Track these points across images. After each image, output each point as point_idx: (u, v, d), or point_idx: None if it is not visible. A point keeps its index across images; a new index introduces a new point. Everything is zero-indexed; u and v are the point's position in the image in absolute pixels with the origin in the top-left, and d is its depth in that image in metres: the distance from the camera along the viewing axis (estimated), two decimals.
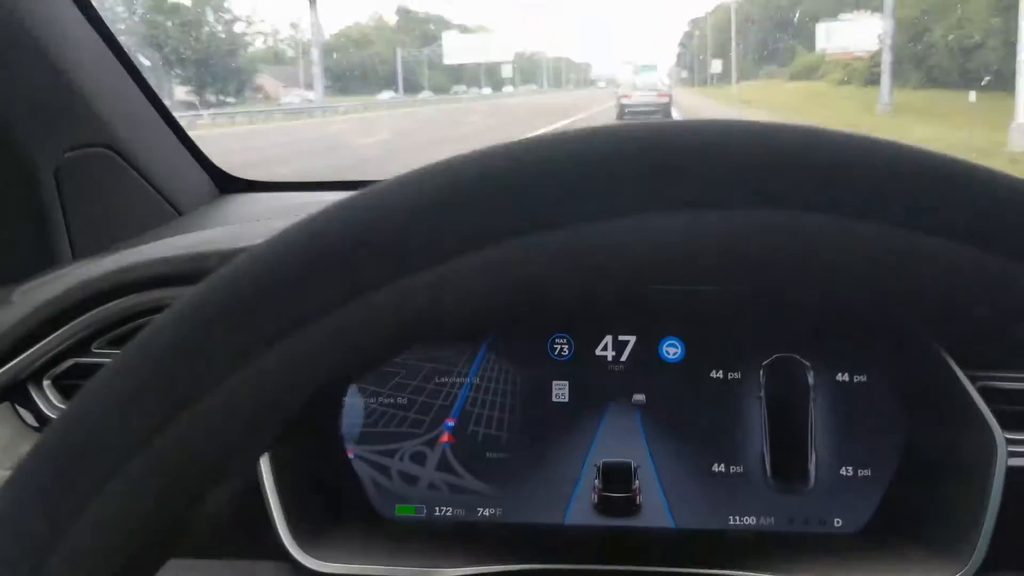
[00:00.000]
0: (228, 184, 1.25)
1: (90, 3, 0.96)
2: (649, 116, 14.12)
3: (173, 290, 0.70)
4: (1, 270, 0.90)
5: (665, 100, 15.44)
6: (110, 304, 0.70)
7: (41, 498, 0.26)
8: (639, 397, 0.75)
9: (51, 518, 0.26)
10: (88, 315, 0.70)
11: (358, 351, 0.28)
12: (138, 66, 1.05)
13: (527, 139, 0.28)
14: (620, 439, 0.75)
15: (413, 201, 0.27)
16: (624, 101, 15.44)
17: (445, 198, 0.27)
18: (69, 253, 0.93)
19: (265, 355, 0.26)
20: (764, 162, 0.27)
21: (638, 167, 0.27)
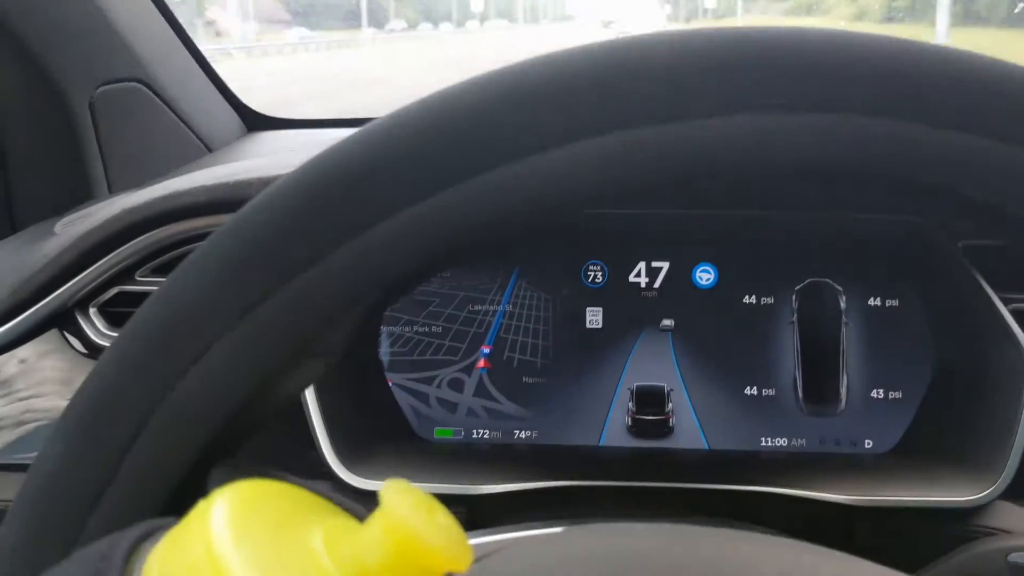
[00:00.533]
0: (256, 122, 1.26)
1: None
2: None
3: (215, 218, 0.71)
4: (42, 203, 0.91)
5: None
6: (153, 232, 0.71)
7: (150, 353, 0.28)
8: (667, 322, 0.76)
9: (171, 359, 0.27)
10: (132, 243, 0.71)
11: (427, 249, 0.28)
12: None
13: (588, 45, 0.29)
14: (653, 363, 0.76)
15: (491, 97, 0.28)
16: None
17: (536, 91, 0.28)
18: (106, 187, 0.95)
19: (361, 236, 0.27)
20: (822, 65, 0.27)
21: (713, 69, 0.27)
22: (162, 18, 1.03)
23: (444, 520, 0.23)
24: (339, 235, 0.27)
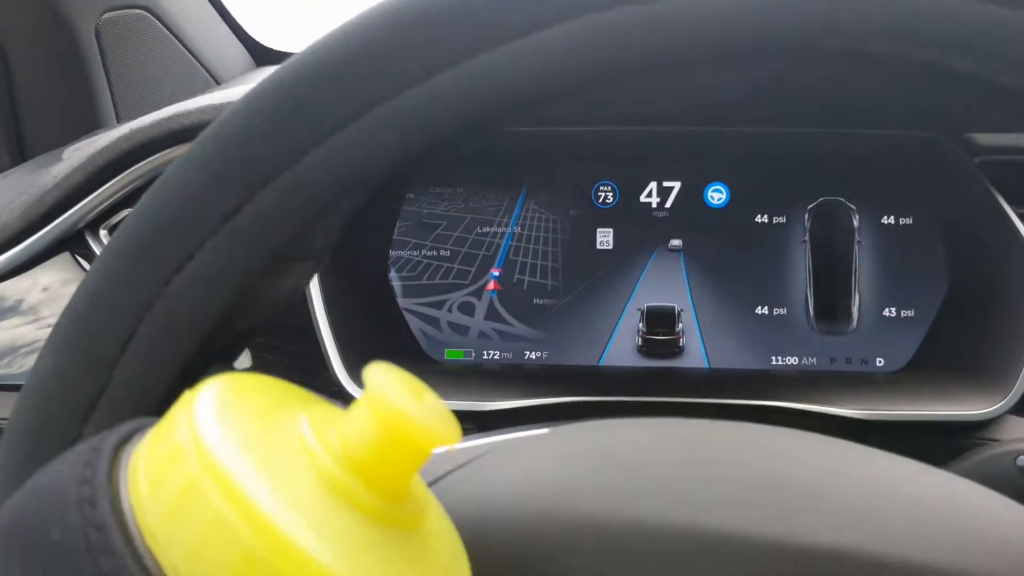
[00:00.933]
0: (265, 55, 1.25)
1: None
2: None
3: None
4: (50, 132, 0.91)
5: None
6: (162, 153, 0.71)
7: (150, 246, 0.27)
8: (675, 242, 0.76)
9: (156, 268, 0.27)
10: (140, 164, 0.71)
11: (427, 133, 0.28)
12: None
13: None
14: (664, 284, 0.76)
15: None
16: None
17: None
18: (114, 116, 0.94)
19: (359, 120, 0.27)
20: None
21: None
22: None
23: (430, 399, 0.23)
24: (313, 135, 0.27)
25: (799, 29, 0.28)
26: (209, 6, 1.14)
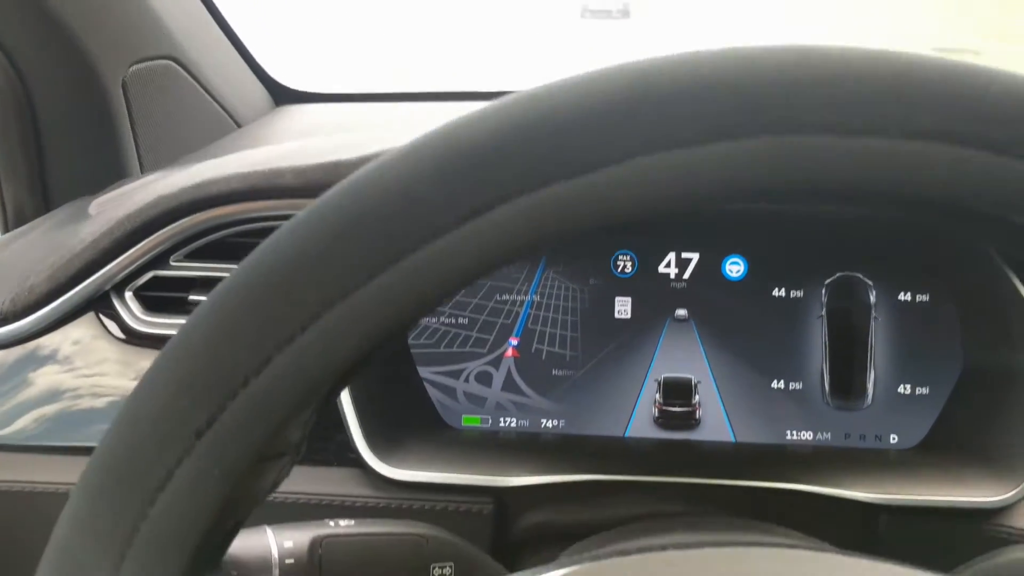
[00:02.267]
0: (284, 95, 1.26)
1: None
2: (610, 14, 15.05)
3: (248, 204, 0.71)
4: (75, 182, 0.92)
5: None
6: (187, 219, 0.72)
7: (208, 365, 0.29)
8: (681, 312, 0.76)
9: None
10: (166, 229, 0.72)
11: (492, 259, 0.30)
12: None
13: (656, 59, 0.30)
14: (681, 354, 0.76)
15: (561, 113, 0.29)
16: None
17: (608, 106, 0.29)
18: (138, 164, 0.96)
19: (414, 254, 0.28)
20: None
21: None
22: None
23: None
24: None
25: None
26: (232, 49, 1.15)
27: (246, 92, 1.17)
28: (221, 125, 1.10)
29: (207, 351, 0.28)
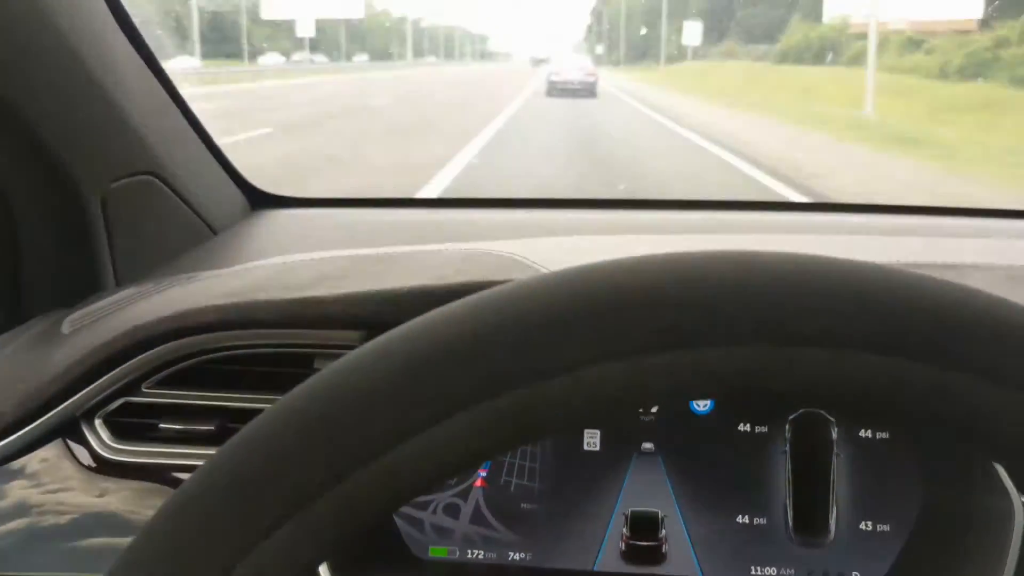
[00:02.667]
0: (259, 200, 1.28)
1: (135, 28, 0.98)
2: (576, 92, 17.41)
3: (221, 334, 0.72)
4: (49, 293, 0.92)
5: (592, 79, 18.30)
6: (161, 347, 0.73)
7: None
8: (648, 446, 0.77)
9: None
10: (140, 358, 0.73)
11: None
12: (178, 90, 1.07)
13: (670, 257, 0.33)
14: (648, 488, 0.77)
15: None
16: (554, 78, 18.24)
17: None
18: (112, 277, 0.96)
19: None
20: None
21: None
22: (176, 108, 1.05)
23: None
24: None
25: None
26: (209, 156, 1.17)
27: (222, 198, 1.19)
28: (197, 233, 1.11)
29: (191, 537, 0.30)
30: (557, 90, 17.45)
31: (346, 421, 0.31)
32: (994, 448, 0.34)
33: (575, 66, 19.26)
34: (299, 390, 0.32)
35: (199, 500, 0.31)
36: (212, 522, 0.30)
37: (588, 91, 17.56)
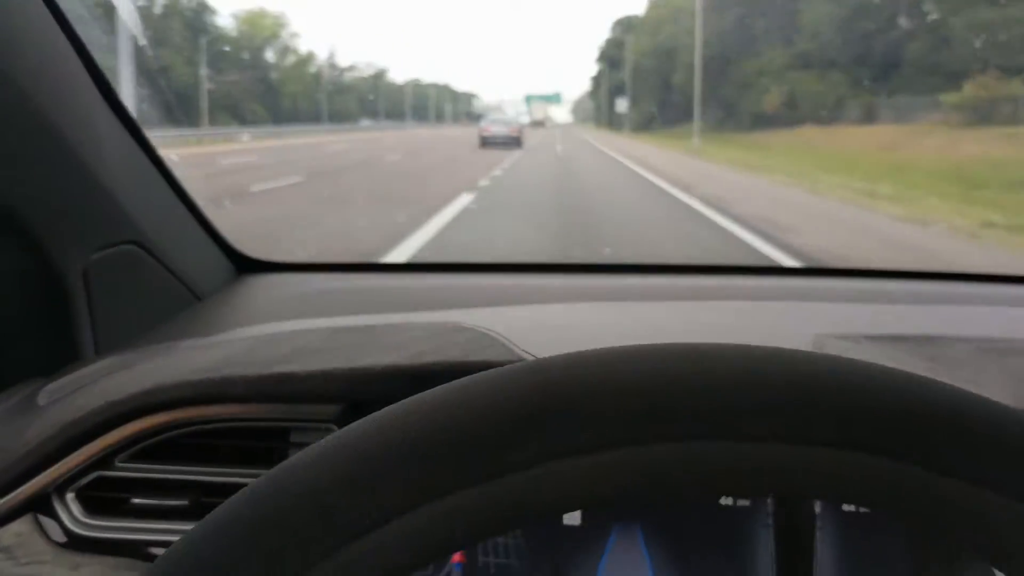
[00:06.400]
0: (245, 265, 1.28)
1: (118, 97, 0.99)
2: (506, 145, 19.89)
3: (199, 410, 0.72)
4: (26, 363, 0.92)
5: (516, 134, 21.46)
6: (136, 422, 0.72)
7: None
8: (628, 520, 0.76)
9: None
10: (114, 432, 0.72)
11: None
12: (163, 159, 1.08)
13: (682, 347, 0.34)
14: (627, 562, 0.76)
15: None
16: (483, 133, 21.43)
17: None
18: (92, 345, 0.96)
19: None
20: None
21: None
22: (159, 175, 1.06)
23: None
24: None
25: None
26: (194, 222, 1.17)
27: (207, 264, 1.19)
28: (181, 299, 1.11)
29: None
30: (488, 143, 20.65)
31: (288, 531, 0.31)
32: (994, 556, 0.34)
33: (501, 123, 23.08)
34: (239, 495, 0.33)
35: None
36: None
37: (515, 143, 20.73)
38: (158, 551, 0.72)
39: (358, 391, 0.67)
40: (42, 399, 0.81)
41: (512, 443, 0.31)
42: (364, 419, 0.33)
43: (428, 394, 0.33)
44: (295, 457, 0.33)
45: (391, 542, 0.31)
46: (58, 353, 0.92)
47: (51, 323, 0.91)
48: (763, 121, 19.88)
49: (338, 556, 0.31)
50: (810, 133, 17.49)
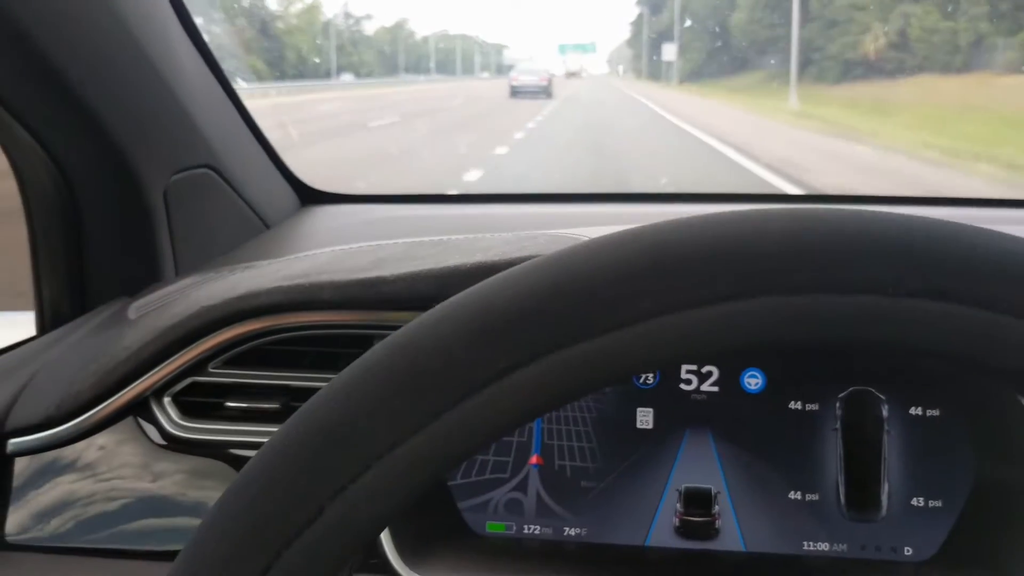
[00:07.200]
0: (310, 196, 1.31)
1: (197, 30, 1.01)
2: (535, 95, 19.37)
3: (289, 317, 0.75)
4: (112, 283, 0.96)
5: (545, 83, 20.74)
6: (228, 329, 0.75)
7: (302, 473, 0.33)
8: (700, 424, 0.79)
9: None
10: (208, 338, 0.75)
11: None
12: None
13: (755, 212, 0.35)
14: (699, 465, 0.78)
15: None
16: (513, 83, 20.77)
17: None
18: (173, 266, 0.99)
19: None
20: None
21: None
22: (232, 106, 1.08)
23: None
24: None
25: None
26: (262, 152, 1.20)
27: (275, 194, 1.22)
28: (251, 227, 1.14)
29: (262, 502, 0.33)
30: (517, 93, 20.02)
31: (431, 368, 0.33)
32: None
33: (531, 73, 22.17)
34: (374, 350, 0.35)
35: (286, 455, 0.34)
36: (298, 471, 0.33)
37: (545, 93, 20.16)
38: (250, 453, 0.76)
39: (446, 292, 0.69)
40: (132, 313, 0.85)
41: (628, 298, 0.33)
42: (488, 280, 0.35)
43: (544, 258, 0.35)
44: (422, 316, 0.35)
45: (516, 388, 0.33)
46: (141, 274, 0.96)
47: (134, 243, 0.95)
48: (855, 69, 14.42)
49: (466, 403, 0.33)
50: (934, 84, 12.97)
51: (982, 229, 0.35)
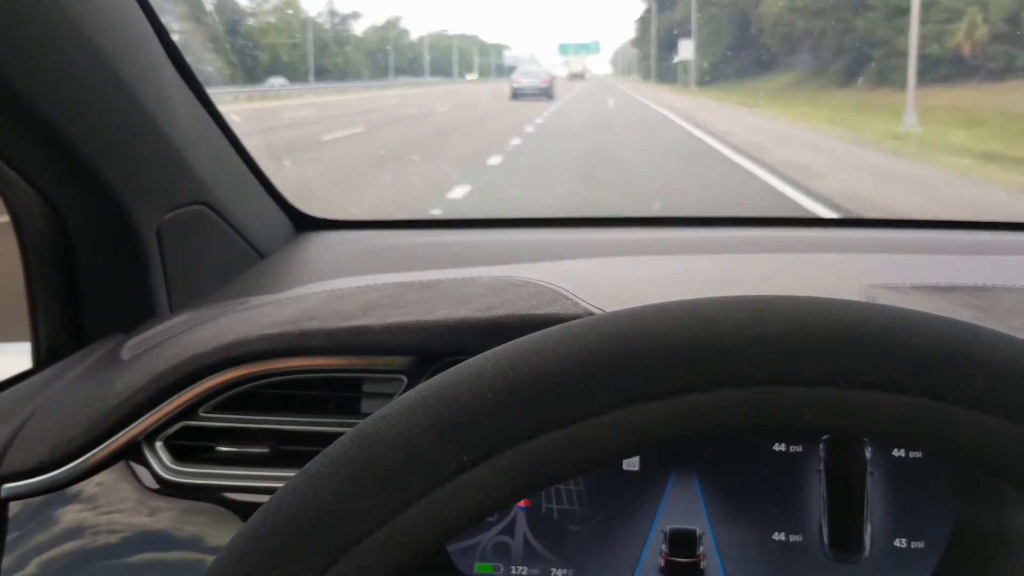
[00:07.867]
0: (304, 223, 1.32)
1: (186, 62, 1.02)
2: (536, 97, 19.50)
3: (278, 363, 0.76)
4: (106, 320, 0.97)
5: (546, 85, 20.74)
6: (219, 375, 0.76)
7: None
8: (685, 466, 0.80)
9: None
10: (199, 384, 0.76)
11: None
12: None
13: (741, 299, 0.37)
14: (684, 507, 0.79)
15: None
16: (514, 85, 20.75)
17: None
18: (167, 302, 1.00)
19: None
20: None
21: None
22: (224, 137, 1.09)
23: None
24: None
25: None
26: (256, 183, 1.21)
27: (268, 223, 1.23)
28: (245, 258, 1.15)
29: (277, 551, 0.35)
30: (517, 95, 19.98)
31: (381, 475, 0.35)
32: None
33: (531, 75, 22.07)
34: (340, 441, 0.37)
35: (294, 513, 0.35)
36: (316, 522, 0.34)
37: (545, 95, 20.05)
38: (240, 496, 0.77)
39: (430, 343, 0.71)
40: (125, 353, 0.86)
41: (589, 391, 0.34)
42: (450, 370, 0.36)
43: (509, 346, 0.36)
44: (387, 407, 0.36)
45: (477, 484, 0.34)
46: (135, 310, 0.97)
47: (128, 281, 0.96)
48: (937, 69, 11.04)
49: (430, 497, 0.34)
50: None
51: (938, 317, 0.36)
